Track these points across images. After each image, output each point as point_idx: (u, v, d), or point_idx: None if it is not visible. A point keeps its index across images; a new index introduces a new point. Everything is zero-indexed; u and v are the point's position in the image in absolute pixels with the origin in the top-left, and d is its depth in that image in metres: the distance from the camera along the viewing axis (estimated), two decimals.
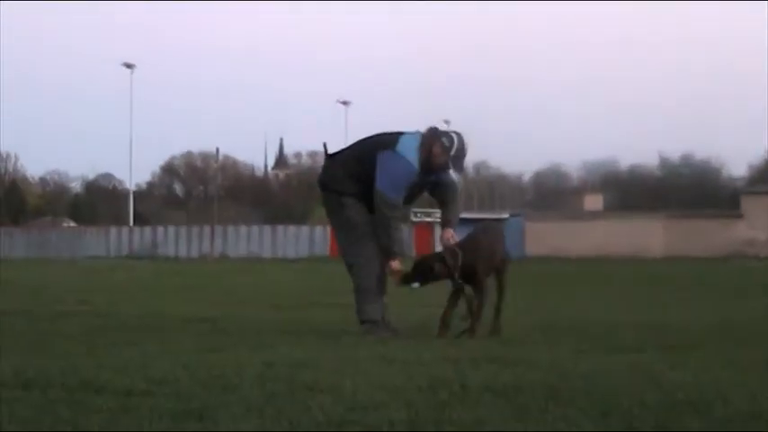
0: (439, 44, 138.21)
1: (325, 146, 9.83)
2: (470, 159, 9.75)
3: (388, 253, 9.20)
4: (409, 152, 9.15)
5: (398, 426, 4.65)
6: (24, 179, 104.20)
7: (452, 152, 9.09)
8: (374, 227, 9.23)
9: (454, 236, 9.28)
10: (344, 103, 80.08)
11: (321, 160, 9.94)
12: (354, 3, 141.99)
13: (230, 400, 5.21)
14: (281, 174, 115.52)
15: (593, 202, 72.62)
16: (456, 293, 9.25)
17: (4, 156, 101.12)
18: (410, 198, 9.47)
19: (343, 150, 9.62)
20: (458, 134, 9.17)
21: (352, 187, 9.34)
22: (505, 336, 9.13)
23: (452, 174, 9.39)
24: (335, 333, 9.28)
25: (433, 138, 9.15)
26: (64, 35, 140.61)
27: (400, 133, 9.33)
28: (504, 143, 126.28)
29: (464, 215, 10.45)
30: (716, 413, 4.95)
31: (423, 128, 9.32)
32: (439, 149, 9.11)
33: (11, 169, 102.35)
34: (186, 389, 5.57)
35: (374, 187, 9.17)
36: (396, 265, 9.18)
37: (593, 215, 67.29)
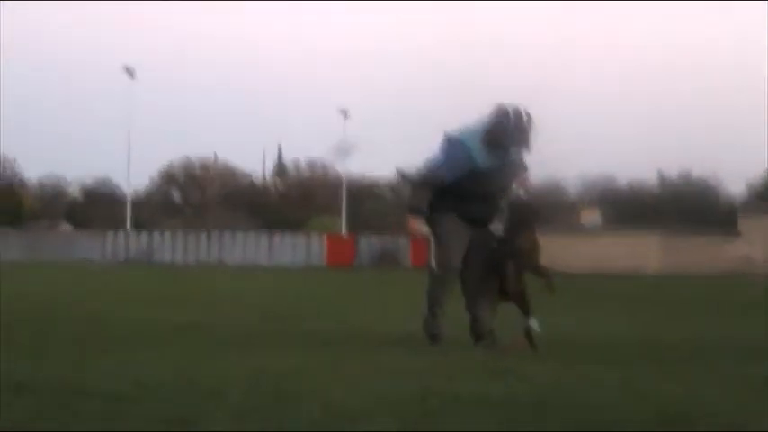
0: (443, 53, 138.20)
1: (402, 172, 9.92)
2: None
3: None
4: (471, 138, 8.89)
5: None
6: (22, 182, 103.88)
7: (510, 125, 8.75)
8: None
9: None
10: (344, 112, 79.84)
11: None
12: (358, 5, 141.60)
13: (218, 407, 5.18)
14: (280, 182, 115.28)
15: (591, 217, 72.57)
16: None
17: (2, 159, 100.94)
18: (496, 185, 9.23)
19: None
20: (520, 108, 8.82)
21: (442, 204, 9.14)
22: (499, 346, 9.09)
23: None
24: (327, 342, 9.25)
25: (493, 117, 8.84)
26: (63, 38, 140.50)
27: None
28: None
29: None
30: (700, 427, 4.93)
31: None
32: (497, 128, 8.81)
33: (8, 172, 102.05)
34: (175, 395, 5.54)
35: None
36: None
37: (591, 230, 67.27)
